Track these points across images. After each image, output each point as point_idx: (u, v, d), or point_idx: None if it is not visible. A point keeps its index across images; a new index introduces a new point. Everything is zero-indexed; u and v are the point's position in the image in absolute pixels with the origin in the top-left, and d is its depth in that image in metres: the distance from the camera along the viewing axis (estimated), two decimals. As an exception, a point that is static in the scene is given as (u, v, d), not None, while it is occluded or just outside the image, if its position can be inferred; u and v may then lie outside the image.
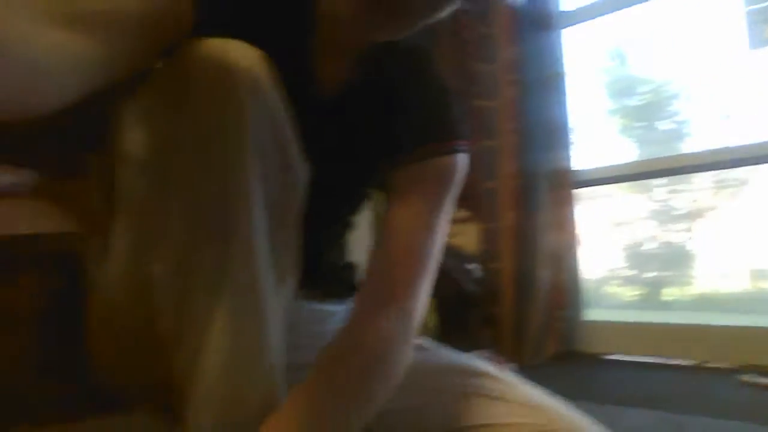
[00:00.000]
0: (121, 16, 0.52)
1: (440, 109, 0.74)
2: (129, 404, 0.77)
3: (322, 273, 0.79)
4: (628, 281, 2.60)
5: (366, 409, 0.59)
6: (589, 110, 2.50)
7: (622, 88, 2.62)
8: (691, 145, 2.39)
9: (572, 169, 2.16)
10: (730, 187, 2.32)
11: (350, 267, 0.85)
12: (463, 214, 2.15)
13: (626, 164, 2.27)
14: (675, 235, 2.52)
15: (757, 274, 2.25)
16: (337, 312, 0.80)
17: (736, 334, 1.85)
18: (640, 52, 2.51)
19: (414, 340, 0.67)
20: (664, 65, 2.44)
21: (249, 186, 0.53)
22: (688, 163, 2.12)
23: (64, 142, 1.31)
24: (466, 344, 1.75)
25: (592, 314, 2.12)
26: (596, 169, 2.25)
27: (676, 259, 2.50)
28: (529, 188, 2.11)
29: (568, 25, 2.30)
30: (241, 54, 0.54)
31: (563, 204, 2.12)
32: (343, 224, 0.84)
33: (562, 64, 2.21)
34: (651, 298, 2.52)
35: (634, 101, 2.61)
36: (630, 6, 2.22)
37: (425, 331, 1.74)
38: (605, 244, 2.49)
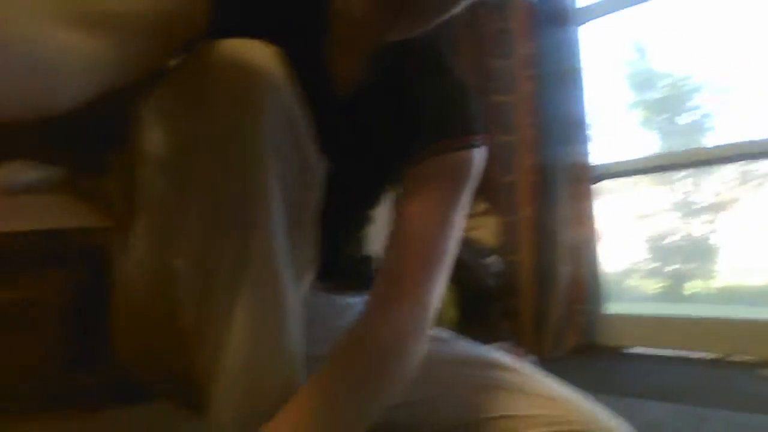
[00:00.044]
0: (134, 16, 0.52)
1: (457, 104, 0.74)
2: (153, 396, 0.79)
3: (341, 266, 0.80)
4: (650, 274, 2.58)
5: (378, 402, 0.59)
6: (609, 104, 2.48)
7: (642, 81, 2.60)
8: (714, 137, 2.36)
9: (591, 163, 2.15)
10: (754, 180, 2.28)
11: (368, 260, 0.85)
12: (482, 207, 2.15)
13: (648, 157, 2.25)
14: (698, 227, 2.49)
15: (782, 267, 2.21)
16: (355, 305, 0.80)
17: (758, 328, 1.83)
18: (661, 44, 2.48)
19: (430, 333, 0.67)
20: (685, 58, 2.41)
21: (267, 183, 0.54)
22: (710, 155, 2.09)
23: (88, 139, 1.34)
24: (486, 337, 1.76)
25: (613, 307, 2.11)
26: (617, 162, 2.24)
27: (698, 252, 2.47)
28: (548, 182, 2.10)
29: (586, 21, 2.28)
30: (258, 54, 0.55)
31: (582, 198, 2.10)
32: (360, 219, 0.85)
33: (579, 59, 2.20)
34: (673, 291, 2.50)
35: (654, 94, 2.58)
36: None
37: (444, 323, 1.74)
38: (627, 237, 2.47)
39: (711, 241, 2.46)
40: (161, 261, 0.59)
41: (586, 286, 2.06)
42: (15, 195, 1.28)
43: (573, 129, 2.14)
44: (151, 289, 0.62)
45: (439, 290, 0.67)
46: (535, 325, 2.02)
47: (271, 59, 0.55)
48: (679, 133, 2.48)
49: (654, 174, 2.33)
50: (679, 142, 2.44)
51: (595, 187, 2.14)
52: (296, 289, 0.58)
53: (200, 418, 0.56)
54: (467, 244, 1.98)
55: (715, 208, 2.38)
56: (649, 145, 2.56)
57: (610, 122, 2.46)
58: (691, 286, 2.47)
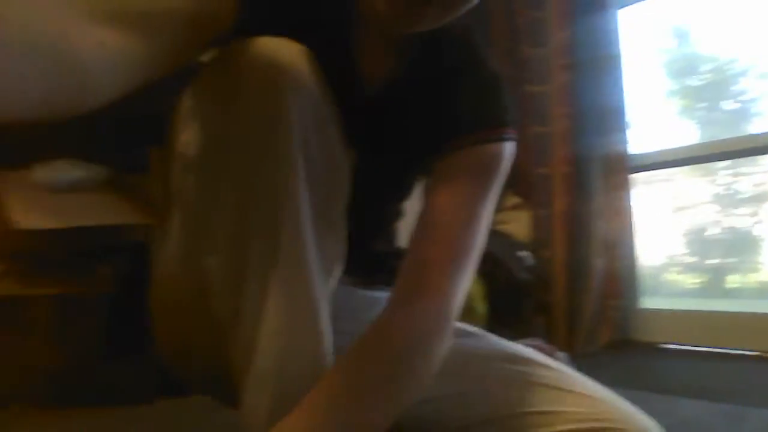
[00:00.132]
0: (163, 11, 0.53)
1: (488, 96, 0.73)
2: (191, 389, 0.82)
3: (370, 261, 0.81)
4: (689, 268, 2.52)
5: (399, 397, 0.58)
6: (647, 92, 2.41)
7: (682, 68, 2.52)
8: (758, 125, 2.28)
9: (628, 153, 2.10)
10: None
11: (398, 254, 0.86)
12: (515, 200, 2.14)
13: (688, 147, 2.18)
14: (740, 219, 2.41)
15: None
16: (384, 299, 0.81)
17: (803, 324, 1.77)
18: (703, 27, 2.40)
19: (459, 327, 0.67)
20: (728, 41, 2.33)
21: (295, 181, 0.55)
22: (754, 144, 2.02)
23: (131, 138, 1.38)
24: (517, 332, 1.75)
25: (650, 302, 2.07)
26: (656, 152, 2.18)
27: (740, 245, 2.40)
28: (583, 174, 2.07)
29: (625, 5, 2.22)
30: (286, 53, 0.56)
31: (619, 189, 2.06)
32: (389, 213, 0.85)
33: (617, 46, 2.14)
34: (713, 285, 2.43)
35: (695, 81, 2.51)
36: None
37: (474, 318, 1.75)
38: (665, 230, 2.42)
39: (754, 234, 2.38)
40: (194, 258, 0.61)
41: (622, 281, 2.03)
42: (61, 193, 1.33)
43: (610, 118, 2.09)
44: (186, 285, 0.65)
45: (464, 285, 0.66)
46: (568, 320, 2.00)
47: (299, 58, 0.57)
48: (721, 121, 2.40)
49: (694, 164, 2.27)
50: (721, 130, 2.37)
51: (632, 178, 2.10)
52: (325, 285, 0.59)
53: (236, 412, 0.58)
54: (499, 238, 1.97)
55: (759, 199, 2.30)
56: (689, 134, 2.49)
57: (649, 111, 2.40)
58: (733, 281, 2.40)
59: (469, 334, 0.78)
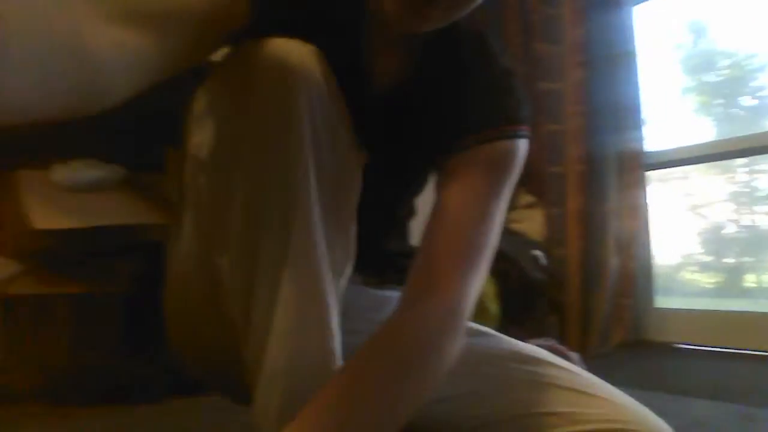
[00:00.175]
0: (177, 11, 0.53)
1: (501, 93, 0.72)
2: (206, 386, 0.83)
3: (382, 260, 0.81)
4: (706, 267, 2.49)
5: (409, 398, 0.57)
6: (664, 88, 2.39)
7: (699, 64, 2.49)
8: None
9: (644, 150, 2.08)
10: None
11: (410, 253, 0.85)
12: (529, 199, 2.13)
13: (705, 144, 2.16)
14: (758, 218, 2.38)
15: None
16: (395, 298, 0.81)
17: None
18: (720, 24, 2.37)
19: (471, 327, 0.67)
20: (745, 37, 2.29)
21: (305, 181, 0.56)
22: (773, 140, 1.99)
23: (149, 138, 1.40)
24: (531, 332, 1.75)
25: (665, 302, 2.05)
26: (672, 149, 2.16)
27: (758, 244, 2.37)
28: (598, 172, 2.05)
29: (640, 1, 2.20)
30: (298, 55, 0.57)
31: (634, 187, 2.04)
32: (402, 211, 0.85)
33: (633, 42, 2.12)
34: (730, 285, 2.40)
35: (712, 77, 2.47)
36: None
37: (488, 318, 1.74)
38: (681, 228, 2.39)
39: (772, 233, 2.34)
40: (206, 258, 0.62)
41: (636, 280, 2.01)
42: (79, 193, 1.35)
43: (625, 116, 2.07)
44: (198, 284, 0.66)
45: (477, 283, 0.65)
46: (582, 320, 1.98)
47: (310, 59, 0.57)
48: (739, 118, 2.37)
49: (711, 161, 2.24)
50: (739, 127, 2.33)
51: (647, 176, 2.08)
52: (335, 284, 0.60)
53: (250, 411, 0.59)
54: (512, 237, 1.97)
55: (777, 197, 2.27)
56: (705, 131, 2.45)
57: (665, 108, 2.37)
58: (751, 280, 2.37)
59: (480, 334, 0.78)
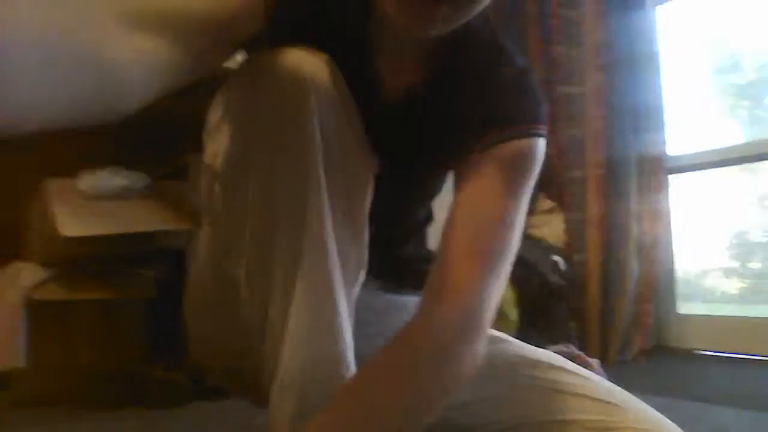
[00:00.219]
0: (194, 18, 0.54)
1: (515, 92, 0.70)
2: (226, 391, 0.84)
3: (399, 265, 0.82)
4: (731, 273, 2.44)
5: (426, 404, 0.57)
6: (687, 90, 2.35)
7: (726, 65, 2.45)
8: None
9: (667, 154, 2.05)
10: None
11: (428, 258, 0.83)
12: (548, 204, 2.12)
13: (731, 147, 2.12)
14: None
15: None
16: (413, 303, 0.81)
17: None
18: (746, 24, 2.32)
19: (487, 334, 0.66)
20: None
21: (319, 189, 0.57)
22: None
23: (172, 144, 1.43)
24: (549, 338, 1.73)
25: (688, 308, 2.02)
26: (696, 153, 2.13)
27: (785, 250, 2.31)
28: (618, 176, 2.03)
29: (662, 2, 2.18)
30: (311, 64, 0.57)
31: (655, 191, 2.02)
32: (418, 215, 0.84)
33: (655, 44, 2.10)
34: (756, 290, 2.34)
35: (738, 79, 2.43)
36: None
37: (507, 324, 1.74)
38: (705, 233, 2.35)
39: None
40: (223, 267, 0.63)
41: (658, 286, 1.98)
42: (104, 201, 1.39)
43: (647, 119, 2.05)
44: (216, 292, 0.67)
45: (496, 289, 0.64)
46: (602, 326, 1.97)
47: (321, 67, 0.58)
48: (766, 120, 2.32)
49: (737, 164, 2.20)
50: (765, 129, 2.28)
51: (670, 179, 2.05)
52: (348, 293, 0.60)
53: (265, 410, 0.60)
54: (532, 242, 1.96)
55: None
56: (731, 133, 2.41)
57: (688, 110, 2.33)
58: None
59: (497, 340, 0.77)
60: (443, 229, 0.66)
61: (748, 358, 1.81)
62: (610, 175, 2.03)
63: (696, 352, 1.93)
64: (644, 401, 0.70)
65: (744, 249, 2.39)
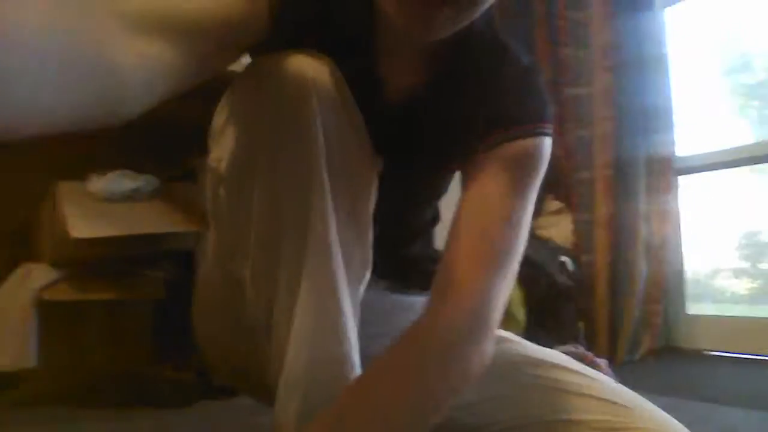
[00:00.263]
0: (198, 22, 0.53)
1: (522, 91, 0.70)
2: (234, 390, 0.85)
3: (406, 265, 0.82)
4: (741, 273, 2.42)
5: (433, 403, 0.57)
6: (696, 91, 2.34)
7: (735, 66, 2.43)
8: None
9: (675, 154, 2.04)
10: None
11: (435, 258, 0.82)
12: (556, 205, 2.11)
13: (739, 147, 2.11)
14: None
15: None
16: (419, 303, 0.80)
17: None
18: (756, 24, 2.31)
19: (495, 333, 0.66)
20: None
21: (322, 191, 0.57)
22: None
23: (181, 147, 1.44)
24: (557, 338, 1.73)
25: (697, 308, 2.01)
26: (706, 153, 2.12)
27: (796, 250, 2.29)
28: (627, 177, 2.02)
29: (672, 3, 2.17)
30: (313, 67, 0.58)
31: (664, 192, 2.01)
32: (424, 215, 0.85)
33: (663, 45, 2.09)
34: (767, 291, 2.33)
35: (748, 78, 2.41)
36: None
37: (514, 324, 1.73)
38: (715, 233, 2.33)
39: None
40: (229, 268, 0.64)
41: (667, 287, 1.98)
42: (114, 203, 1.40)
43: (655, 120, 2.04)
44: (223, 293, 0.68)
45: (503, 288, 0.63)
46: (610, 326, 1.96)
47: (324, 70, 0.58)
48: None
49: (748, 165, 2.18)
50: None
51: (679, 180, 2.04)
52: (353, 293, 0.61)
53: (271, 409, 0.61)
54: (540, 243, 1.95)
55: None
56: (741, 134, 2.39)
57: (698, 111, 2.32)
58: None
59: (502, 340, 0.77)
60: (450, 229, 0.66)
61: (757, 359, 1.80)
62: (618, 176, 2.02)
63: (705, 352, 1.92)
64: (653, 401, 0.70)
65: (754, 249, 2.38)
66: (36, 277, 1.33)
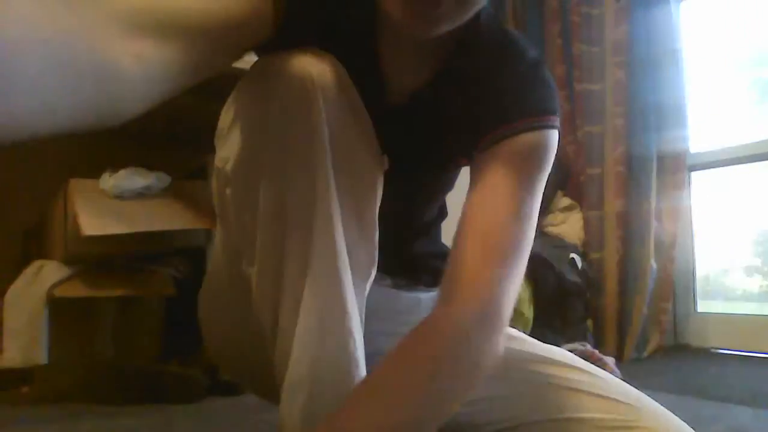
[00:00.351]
0: (198, 23, 0.53)
1: (528, 84, 0.69)
2: (241, 387, 0.85)
3: (412, 262, 0.81)
4: (752, 271, 2.39)
5: (441, 401, 0.56)
6: (713, 87, 2.31)
7: (750, 61, 2.40)
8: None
9: (687, 151, 2.03)
10: None
11: (442, 255, 0.84)
12: (567, 202, 2.10)
13: (756, 143, 2.08)
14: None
15: None
16: (426, 300, 0.81)
17: None
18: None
19: (506, 327, 0.66)
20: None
21: (328, 189, 0.57)
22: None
23: (192, 145, 1.45)
24: (567, 336, 1.72)
25: (708, 306, 1.99)
26: (719, 150, 2.09)
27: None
28: (638, 173, 2.01)
29: (686, -2, 2.15)
30: (318, 66, 0.58)
31: (676, 188, 1.99)
32: (430, 212, 0.84)
33: (677, 40, 2.07)
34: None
35: (764, 74, 2.38)
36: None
37: (521, 322, 1.73)
38: (727, 230, 2.30)
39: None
40: (236, 267, 0.64)
41: (676, 284, 1.96)
42: (126, 200, 1.41)
43: (668, 116, 2.02)
44: (230, 292, 0.68)
45: (513, 282, 0.63)
46: (619, 324, 1.95)
47: (328, 69, 0.58)
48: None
49: (760, 161, 2.16)
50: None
51: (691, 177, 2.02)
52: (358, 291, 0.61)
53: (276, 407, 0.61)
54: (549, 240, 1.94)
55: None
56: (756, 129, 2.36)
57: (712, 106, 2.29)
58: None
59: (509, 338, 0.77)
60: (458, 224, 0.66)
61: (766, 357, 1.78)
62: (629, 172, 2.01)
63: (715, 350, 1.90)
64: (661, 400, 0.70)
65: (767, 246, 2.35)
66: (48, 273, 1.34)
